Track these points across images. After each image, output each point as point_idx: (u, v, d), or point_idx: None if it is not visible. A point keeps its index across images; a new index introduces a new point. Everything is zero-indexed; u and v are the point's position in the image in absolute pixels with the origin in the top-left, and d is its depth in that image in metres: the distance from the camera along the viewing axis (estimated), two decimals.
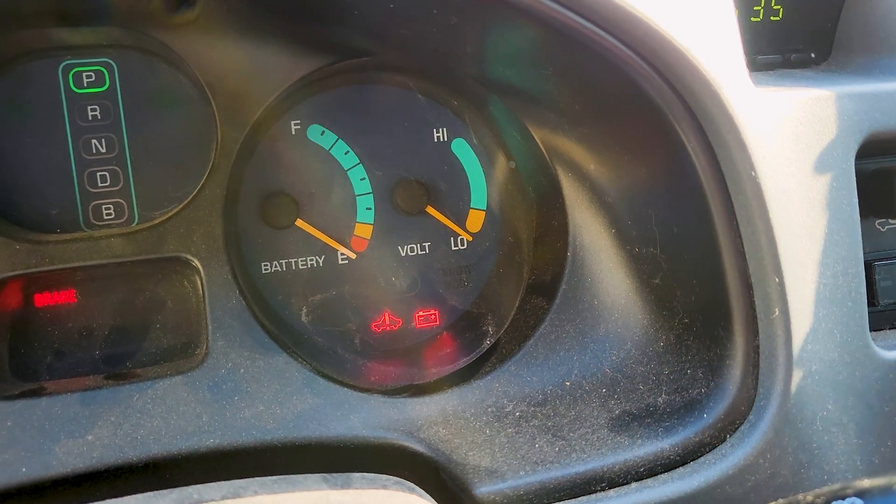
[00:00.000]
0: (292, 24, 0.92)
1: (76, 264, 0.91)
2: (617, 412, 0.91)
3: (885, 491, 0.58)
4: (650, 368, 0.94)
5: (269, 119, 1.03)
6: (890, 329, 0.98)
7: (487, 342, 1.04)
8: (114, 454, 0.83)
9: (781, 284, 0.83)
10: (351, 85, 1.07)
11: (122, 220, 1.00)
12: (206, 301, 0.92)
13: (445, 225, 1.11)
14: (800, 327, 0.84)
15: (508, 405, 0.94)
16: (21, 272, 0.89)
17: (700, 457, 0.85)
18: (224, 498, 0.72)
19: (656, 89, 0.79)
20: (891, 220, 1.01)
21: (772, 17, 1.10)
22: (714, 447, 0.85)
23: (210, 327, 0.91)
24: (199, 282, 0.93)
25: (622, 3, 0.74)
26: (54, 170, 0.98)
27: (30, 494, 0.80)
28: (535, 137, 1.02)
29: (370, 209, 1.09)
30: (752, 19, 1.10)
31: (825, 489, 0.61)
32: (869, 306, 0.92)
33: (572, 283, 1.01)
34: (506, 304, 1.08)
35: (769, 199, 0.81)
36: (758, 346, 0.85)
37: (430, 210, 1.09)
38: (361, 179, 1.08)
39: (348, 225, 1.08)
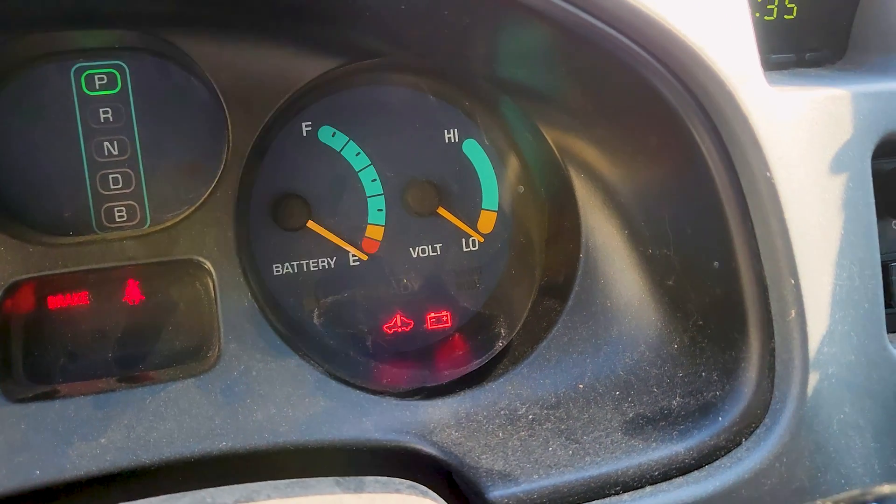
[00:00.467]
0: (303, 25, 0.92)
1: (89, 266, 0.92)
2: (631, 415, 0.90)
3: None
4: (664, 371, 0.93)
5: (281, 121, 1.03)
6: None
7: (500, 344, 1.04)
8: (127, 457, 0.83)
9: (797, 286, 0.82)
10: (362, 86, 1.07)
11: (134, 223, 1.00)
12: (218, 303, 0.92)
13: (457, 226, 1.10)
14: (816, 329, 0.83)
15: (521, 408, 0.93)
16: (34, 275, 0.90)
17: (715, 460, 0.84)
18: (237, 501, 0.72)
19: (670, 89, 0.78)
20: None
21: (786, 16, 1.09)
22: (729, 451, 0.84)
23: (222, 329, 0.91)
24: (210, 284, 0.93)
25: (635, 3, 0.73)
26: (67, 172, 0.98)
27: (43, 497, 0.80)
28: (548, 138, 1.01)
29: (381, 210, 1.08)
30: (766, 18, 1.09)
31: (844, 495, 0.60)
32: (886, 308, 0.91)
33: (585, 285, 1.00)
34: (518, 306, 1.08)
35: (784, 199, 0.80)
36: (773, 349, 0.84)
37: (442, 211, 1.09)
38: (373, 181, 1.08)
39: (360, 226, 1.08)
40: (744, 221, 0.82)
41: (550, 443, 0.87)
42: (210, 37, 0.93)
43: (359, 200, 1.08)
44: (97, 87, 0.98)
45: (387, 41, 0.95)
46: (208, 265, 0.93)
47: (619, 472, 0.83)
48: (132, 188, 1.00)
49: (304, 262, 1.06)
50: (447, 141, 1.10)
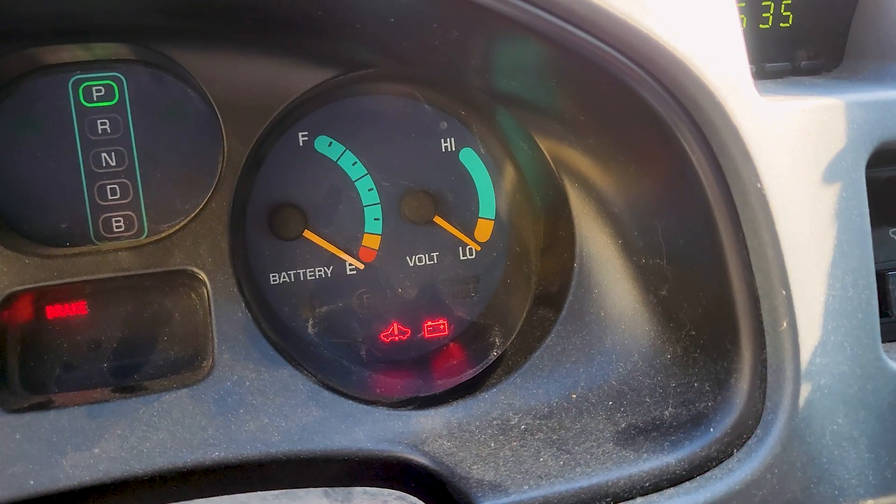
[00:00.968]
0: (296, 37, 0.93)
1: (85, 277, 0.92)
2: (623, 425, 0.90)
3: None
4: (657, 381, 0.93)
5: (277, 131, 1.04)
6: None
7: (494, 353, 1.04)
8: (120, 467, 0.83)
9: (789, 297, 0.81)
10: (358, 96, 1.07)
11: (131, 233, 1.01)
12: (213, 314, 0.92)
13: (453, 235, 1.10)
14: (808, 340, 0.83)
15: (514, 418, 0.93)
16: (31, 286, 0.90)
17: (706, 471, 0.84)
18: None
19: (659, 100, 0.78)
20: None
21: (781, 24, 1.09)
22: (721, 462, 0.84)
23: (216, 340, 0.91)
24: (205, 294, 0.94)
25: (621, 14, 0.73)
26: (65, 183, 0.99)
27: None
28: (542, 148, 1.02)
29: (378, 220, 1.09)
30: (762, 26, 1.09)
31: None
32: (882, 317, 0.90)
33: (579, 295, 1.00)
34: (513, 315, 1.08)
35: (775, 210, 0.80)
36: (765, 360, 0.83)
37: (438, 220, 1.09)
38: (369, 190, 1.08)
39: (356, 236, 1.08)
40: (735, 232, 0.82)
41: (542, 453, 0.87)
42: (205, 49, 0.94)
43: (355, 210, 1.08)
44: (95, 98, 0.99)
45: (379, 53, 0.95)
46: (202, 275, 0.93)
47: (610, 484, 0.83)
48: (129, 199, 1.01)
49: (301, 272, 1.07)
50: (444, 150, 1.10)
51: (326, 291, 1.08)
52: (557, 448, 0.88)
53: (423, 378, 1.02)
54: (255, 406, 0.89)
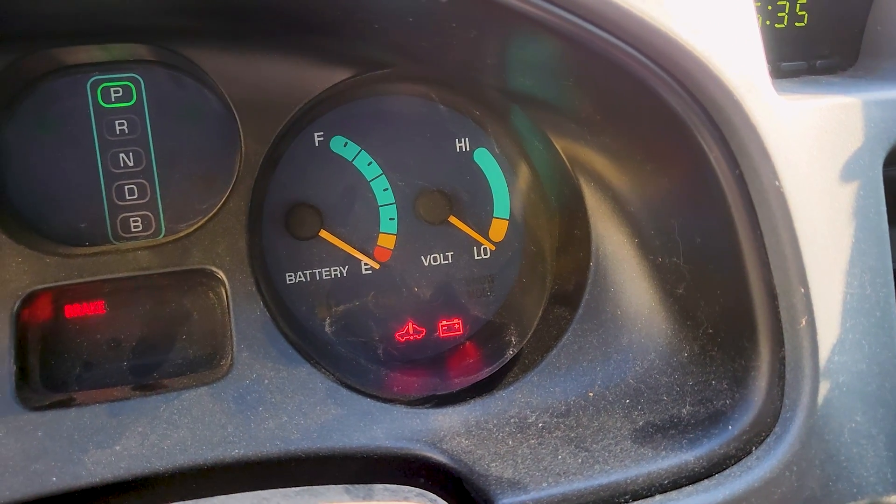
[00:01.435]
0: (313, 38, 0.93)
1: (104, 276, 0.93)
2: (641, 423, 0.90)
3: None
4: (674, 379, 0.93)
5: (293, 131, 1.04)
6: None
7: (510, 352, 1.04)
8: (141, 464, 0.84)
9: (807, 295, 0.81)
10: (373, 96, 1.08)
11: (149, 233, 1.01)
12: (231, 312, 0.93)
13: (468, 234, 1.11)
14: (826, 338, 0.83)
15: (531, 416, 0.93)
16: (51, 285, 0.91)
17: (725, 469, 0.84)
18: None
19: (677, 99, 0.78)
20: None
21: (797, 24, 1.09)
22: (739, 459, 0.84)
23: (234, 339, 0.92)
24: (223, 293, 0.95)
25: (640, 13, 0.73)
26: (83, 183, 1.00)
27: None
28: (558, 147, 1.02)
29: (393, 219, 1.09)
30: (777, 26, 1.09)
31: None
32: None
33: (595, 293, 1.00)
34: (529, 314, 1.08)
35: (793, 208, 0.80)
36: (783, 358, 0.83)
37: (453, 220, 1.10)
38: (384, 190, 1.09)
39: (371, 235, 1.09)
40: (753, 230, 0.82)
41: (560, 451, 0.87)
42: (222, 49, 0.95)
43: (371, 209, 1.09)
44: (113, 99, 1.00)
45: (396, 53, 0.96)
46: (221, 274, 0.94)
47: (629, 481, 0.83)
48: (147, 199, 1.01)
49: (317, 271, 1.08)
50: (458, 150, 1.10)
51: (342, 291, 1.08)
52: (575, 446, 0.88)
53: (439, 377, 1.03)
54: (275, 404, 0.89)
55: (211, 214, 0.96)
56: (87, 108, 0.99)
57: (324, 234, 1.06)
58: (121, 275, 0.93)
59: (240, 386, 0.90)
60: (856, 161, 0.86)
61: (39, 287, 0.90)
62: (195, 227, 0.95)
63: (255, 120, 0.96)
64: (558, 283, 1.07)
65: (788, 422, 0.83)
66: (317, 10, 0.85)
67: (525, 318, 1.08)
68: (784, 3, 1.08)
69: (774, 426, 0.84)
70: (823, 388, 0.83)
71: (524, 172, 1.11)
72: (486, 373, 1.02)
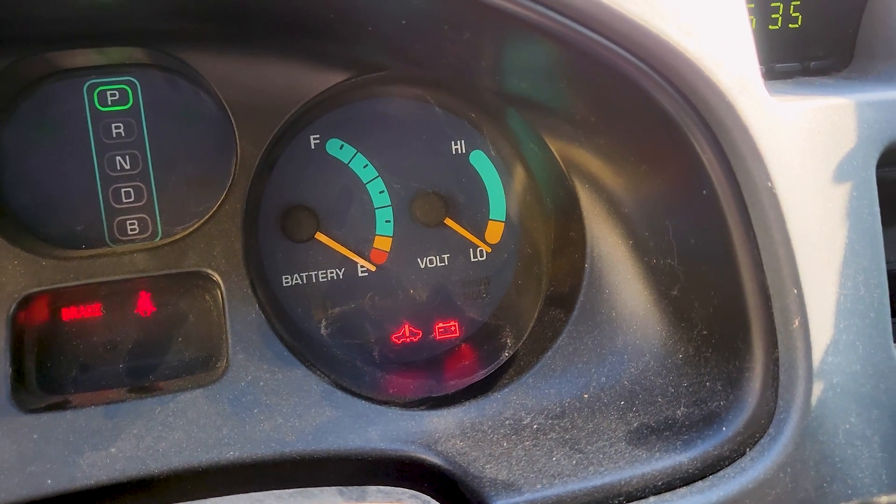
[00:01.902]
0: (308, 41, 0.94)
1: (101, 279, 0.93)
2: (635, 425, 0.90)
3: None
4: (669, 381, 0.93)
5: (289, 134, 1.05)
6: None
7: (506, 354, 1.04)
8: (136, 466, 0.84)
9: (800, 295, 0.81)
10: (369, 99, 1.08)
11: (146, 235, 1.02)
12: (227, 315, 0.93)
13: (464, 237, 1.11)
14: (820, 339, 0.83)
15: (526, 418, 0.93)
16: (47, 287, 0.91)
17: (719, 471, 0.84)
18: None
19: (669, 100, 0.79)
20: None
21: (790, 25, 1.09)
22: (733, 461, 0.84)
23: (230, 341, 0.92)
24: (219, 295, 0.95)
25: (632, 15, 0.74)
26: (80, 187, 1.00)
27: None
28: (553, 149, 1.02)
29: (389, 222, 1.09)
30: (771, 27, 1.09)
31: None
32: (894, 317, 0.90)
33: (590, 295, 1.01)
34: (524, 316, 1.08)
35: (786, 209, 0.80)
36: (777, 359, 0.83)
37: (449, 222, 1.10)
38: (380, 192, 1.09)
39: (368, 238, 1.09)
40: (746, 231, 0.82)
41: (554, 453, 0.88)
42: (218, 52, 0.95)
43: (367, 212, 1.09)
44: (109, 102, 1.00)
45: (391, 55, 0.96)
46: (217, 277, 0.94)
47: (623, 482, 0.83)
48: (144, 201, 1.02)
49: (313, 274, 1.08)
50: (454, 152, 1.11)
51: (338, 293, 1.08)
52: (570, 447, 0.88)
53: (435, 378, 1.03)
54: (270, 406, 0.90)
55: (207, 217, 0.96)
56: (83, 111, 1.00)
57: (320, 236, 1.07)
58: (117, 277, 0.94)
59: (235, 388, 0.90)
60: (849, 162, 0.86)
61: (36, 290, 0.91)
62: (191, 229, 0.96)
63: (251, 122, 0.96)
64: (553, 284, 1.08)
65: (782, 423, 0.83)
66: (310, 12, 0.85)
67: (521, 320, 1.08)
68: (778, 4, 1.08)
69: (768, 427, 0.84)
70: (817, 389, 0.83)
71: (520, 174, 1.11)
72: (481, 375, 1.02)
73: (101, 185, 1.01)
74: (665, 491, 0.83)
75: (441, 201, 1.09)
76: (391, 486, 0.82)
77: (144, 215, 1.02)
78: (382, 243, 1.10)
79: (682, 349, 0.94)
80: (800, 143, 0.83)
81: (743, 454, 0.84)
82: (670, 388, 0.92)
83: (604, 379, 0.96)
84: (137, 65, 1.00)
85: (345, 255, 1.08)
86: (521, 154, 1.10)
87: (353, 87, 1.03)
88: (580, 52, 0.77)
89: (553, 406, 0.95)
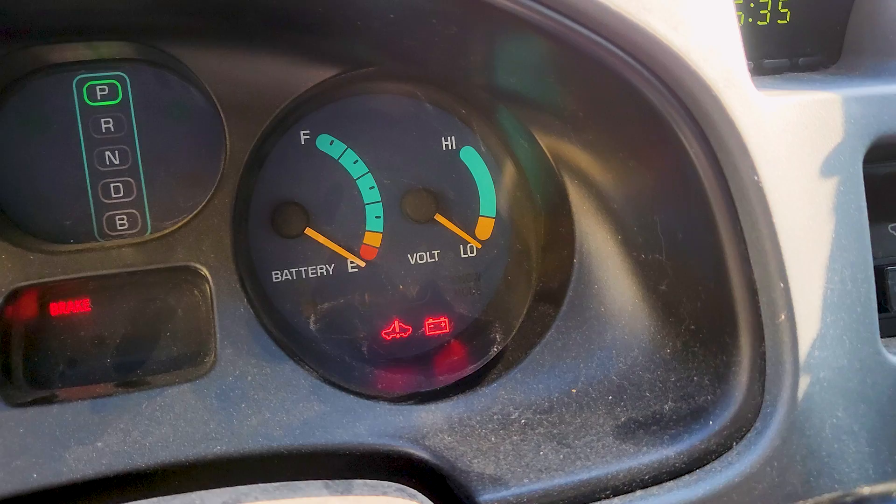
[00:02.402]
0: (298, 36, 0.94)
1: (89, 274, 0.93)
2: (623, 420, 0.90)
3: (884, 498, 0.57)
4: (657, 375, 0.93)
5: (279, 129, 1.04)
6: None
7: (494, 349, 1.04)
8: (123, 461, 0.84)
9: (787, 290, 0.82)
10: (360, 95, 1.08)
11: (135, 230, 1.02)
12: (215, 310, 0.93)
13: (454, 233, 1.11)
14: (806, 333, 0.83)
15: (514, 412, 0.93)
16: (35, 282, 0.91)
17: (706, 465, 0.84)
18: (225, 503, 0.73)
19: (657, 95, 0.79)
20: None
21: (779, 21, 1.09)
22: (720, 455, 0.84)
23: (218, 336, 0.92)
24: (208, 290, 0.95)
25: (619, 10, 0.74)
26: (69, 181, 1.00)
27: (41, 500, 0.82)
28: (542, 145, 1.02)
29: (379, 217, 1.09)
30: (759, 23, 1.09)
31: (825, 497, 0.60)
32: (881, 312, 0.90)
33: (579, 291, 1.01)
34: (514, 312, 1.08)
35: (773, 203, 0.80)
36: (764, 353, 0.84)
37: (439, 218, 1.10)
38: (370, 188, 1.09)
39: (358, 233, 1.09)
40: (733, 226, 0.82)
41: (542, 447, 0.88)
42: (207, 48, 0.95)
43: (357, 208, 1.09)
44: (99, 97, 1.00)
45: (381, 51, 0.96)
46: (205, 272, 0.94)
47: (610, 477, 0.83)
48: (133, 196, 1.02)
49: (303, 269, 1.08)
50: (444, 148, 1.11)
51: (328, 289, 1.08)
52: (558, 442, 0.88)
53: (424, 374, 1.03)
54: (257, 401, 0.90)
55: (196, 212, 0.96)
56: (73, 106, 1.00)
57: (310, 232, 1.07)
58: (106, 272, 0.94)
59: (223, 383, 0.90)
60: (836, 157, 0.86)
61: (23, 284, 0.91)
62: (180, 224, 0.96)
63: (241, 118, 0.96)
64: (543, 280, 1.08)
65: (769, 417, 0.83)
66: (299, 7, 0.85)
67: (510, 316, 1.08)
68: (766, 0, 1.09)
69: (755, 421, 0.84)
70: (804, 383, 0.83)
71: (510, 171, 1.11)
72: (470, 370, 1.02)
73: (90, 180, 1.01)
74: (652, 485, 0.83)
75: (431, 197, 1.10)
76: (379, 480, 0.82)
77: (133, 210, 1.02)
78: (372, 239, 1.10)
79: (670, 344, 0.94)
80: (787, 137, 0.83)
81: (730, 448, 0.84)
82: (658, 382, 0.92)
83: (592, 374, 0.96)
84: (127, 60, 1.00)
85: (334, 251, 1.08)
86: (511, 150, 1.10)
87: (344, 83, 1.03)
88: (567, 46, 0.77)
89: (541, 401, 0.95)
